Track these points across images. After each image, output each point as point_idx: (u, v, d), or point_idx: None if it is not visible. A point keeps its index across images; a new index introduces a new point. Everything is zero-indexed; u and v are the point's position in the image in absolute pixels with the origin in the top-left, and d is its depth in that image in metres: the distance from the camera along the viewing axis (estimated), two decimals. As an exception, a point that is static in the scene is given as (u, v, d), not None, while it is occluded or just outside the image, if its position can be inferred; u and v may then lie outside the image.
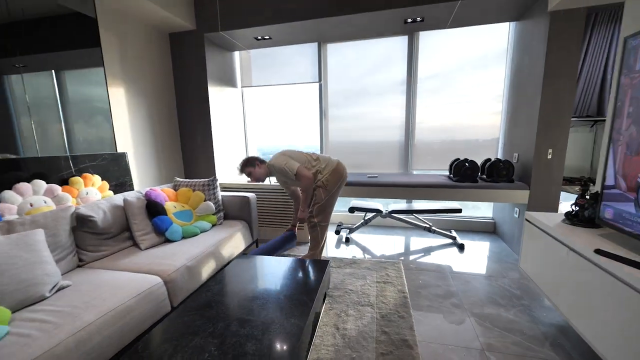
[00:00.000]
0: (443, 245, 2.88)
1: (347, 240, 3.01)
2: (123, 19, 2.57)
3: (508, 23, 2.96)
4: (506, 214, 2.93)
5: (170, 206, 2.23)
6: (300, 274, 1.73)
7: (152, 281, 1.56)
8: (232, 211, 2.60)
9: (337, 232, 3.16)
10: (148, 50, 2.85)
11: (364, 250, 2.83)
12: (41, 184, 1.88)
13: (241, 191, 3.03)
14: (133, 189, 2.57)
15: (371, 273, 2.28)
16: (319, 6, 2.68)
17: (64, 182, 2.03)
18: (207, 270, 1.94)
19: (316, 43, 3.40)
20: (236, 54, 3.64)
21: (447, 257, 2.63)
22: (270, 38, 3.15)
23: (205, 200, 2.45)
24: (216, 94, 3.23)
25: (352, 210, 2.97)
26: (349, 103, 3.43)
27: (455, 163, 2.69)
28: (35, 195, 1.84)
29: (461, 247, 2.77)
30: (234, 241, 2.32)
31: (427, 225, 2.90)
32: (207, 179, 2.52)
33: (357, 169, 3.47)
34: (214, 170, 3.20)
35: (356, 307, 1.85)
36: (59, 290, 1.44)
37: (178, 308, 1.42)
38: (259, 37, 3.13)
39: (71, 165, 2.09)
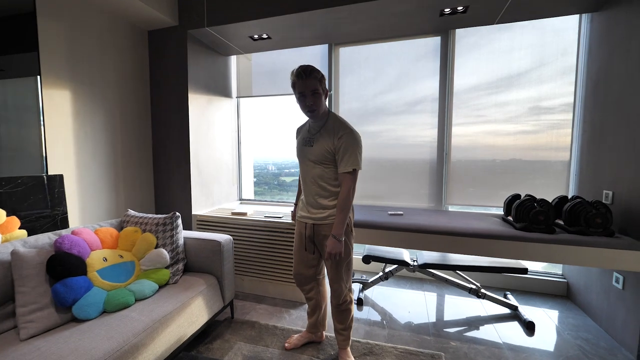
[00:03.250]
0: (498, 317, 1.96)
1: (360, 301, 2.13)
2: (79, 9, 1.95)
3: (578, 16, 2.17)
4: (592, 276, 2.00)
5: (96, 258, 1.45)
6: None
7: None
8: (197, 260, 1.81)
9: (347, 288, 2.28)
10: (114, 46, 2.21)
11: (385, 319, 1.94)
12: None
13: (222, 228, 2.25)
14: (67, 226, 1.83)
15: (399, 379, 1.39)
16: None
17: None
18: (121, 383, 1.12)
19: (326, 45, 2.70)
20: (232, 59, 2.99)
21: (506, 334, 1.74)
22: (269, 37, 2.47)
23: (157, 247, 1.68)
24: (201, 104, 2.55)
25: (367, 260, 2.12)
26: (365, 118, 2.67)
27: (517, 202, 1.82)
28: None
29: (529, 327, 1.84)
30: (189, 314, 1.51)
31: (474, 287, 2.00)
32: (163, 216, 1.75)
33: (374, 200, 2.64)
34: (189, 200, 2.45)
35: None
36: None
37: None
38: (256, 37, 2.46)
39: (-53, 195, 1.38)
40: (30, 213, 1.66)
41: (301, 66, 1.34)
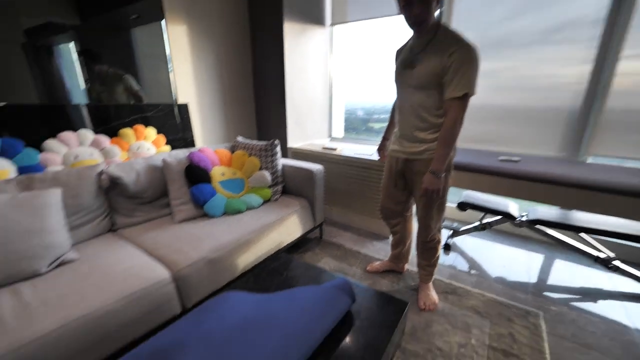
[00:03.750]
0: (631, 295, 1.65)
1: (448, 247, 2.10)
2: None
3: None
4: None
5: (217, 172, 1.83)
6: (361, 312, 1.04)
7: (157, 276, 1.18)
8: (293, 184, 2.06)
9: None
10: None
11: (473, 268, 1.89)
12: (87, 134, 1.71)
13: (313, 160, 2.43)
14: (194, 146, 2.30)
15: (482, 323, 1.40)
16: None
17: (113, 133, 1.83)
18: (237, 266, 1.48)
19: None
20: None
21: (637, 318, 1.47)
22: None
23: (260, 169, 1.97)
24: (295, 35, 2.58)
25: (463, 207, 2.00)
26: (481, 52, 2.23)
27: None
28: (82, 147, 1.68)
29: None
30: (286, 226, 1.79)
31: (604, 256, 1.69)
32: (265, 142, 2.00)
33: (484, 144, 2.34)
34: (285, 131, 2.68)
35: (444, 386, 1.08)
36: (60, 264, 1.20)
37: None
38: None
39: (121, 115, 1.87)
40: (171, 135, 2.14)
41: None
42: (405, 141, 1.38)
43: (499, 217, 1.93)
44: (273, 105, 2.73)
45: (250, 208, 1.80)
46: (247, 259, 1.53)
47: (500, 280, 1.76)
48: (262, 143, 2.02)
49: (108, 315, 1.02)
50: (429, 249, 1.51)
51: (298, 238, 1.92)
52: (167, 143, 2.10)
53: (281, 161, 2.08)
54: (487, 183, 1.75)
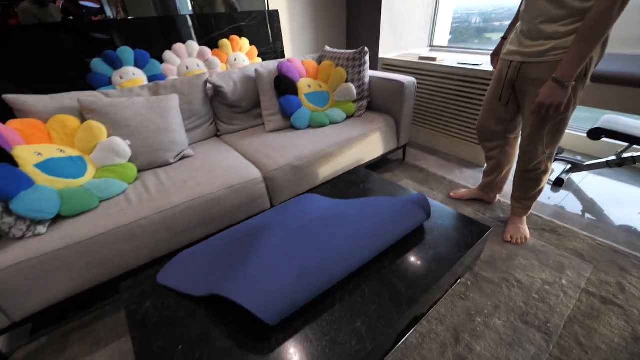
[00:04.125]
0: None
1: (560, 182, 1.76)
2: None
3: None
4: None
5: (304, 84, 1.84)
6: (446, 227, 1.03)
7: (251, 175, 1.38)
8: (379, 100, 1.94)
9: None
10: None
11: (590, 211, 1.58)
12: (194, 45, 1.89)
13: (407, 73, 2.19)
14: (284, 57, 2.32)
15: (582, 266, 1.23)
16: None
17: (214, 45, 1.97)
18: (318, 175, 1.59)
19: None
20: None
21: None
22: None
23: (346, 81, 1.89)
24: None
25: (596, 134, 1.57)
26: None
27: None
28: (190, 58, 1.89)
29: None
30: (367, 144, 1.77)
31: None
32: (353, 51, 1.86)
33: None
34: (377, 40, 2.40)
35: (513, 318, 1.05)
36: (182, 158, 1.52)
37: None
38: None
39: (220, 25, 1.97)
40: (263, 46, 2.18)
41: None
42: (526, 38, 1.07)
43: (650, 151, 1.47)
44: (366, 9, 2.43)
45: (333, 122, 1.81)
46: (327, 171, 1.63)
47: (626, 229, 1.44)
48: (350, 52, 1.88)
49: (215, 200, 1.28)
50: (530, 179, 1.28)
51: (379, 157, 1.90)
52: (259, 55, 2.18)
53: (369, 73, 1.94)
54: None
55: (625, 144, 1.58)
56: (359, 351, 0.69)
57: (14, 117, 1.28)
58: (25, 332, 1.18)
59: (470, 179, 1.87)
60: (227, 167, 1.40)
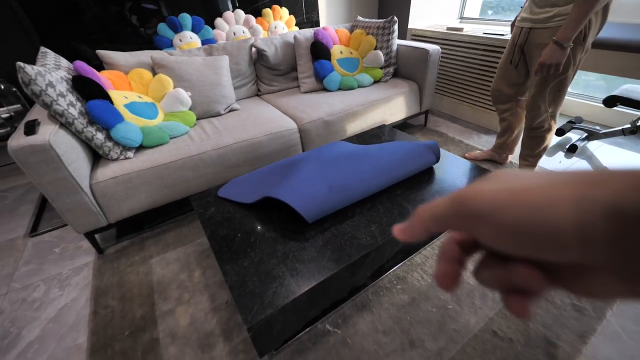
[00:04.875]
0: None
1: (574, 148, 1.81)
2: None
3: None
4: None
5: (336, 50, 1.98)
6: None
7: (288, 126, 1.58)
8: (405, 67, 2.04)
9: (562, 132, 1.92)
10: None
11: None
12: (241, 14, 2.06)
13: (434, 42, 2.24)
14: (319, 26, 2.43)
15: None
16: None
17: (257, 13, 2.13)
18: (346, 130, 1.76)
19: None
20: None
21: None
22: None
23: (375, 49, 2.00)
24: None
25: (611, 102, 1.60)
26: None
27: None
28: (237, 25, 2.07)
29: None
30: (391, 107, 1.90)
31: None
32: (382, 20, 1.95)
33: None
34: (408, 11, 2.44)
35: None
36: (230, 111, 1.74)
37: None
38: None
39: (262, -6, 2.12)
40: (300, 16, 2.31)
41: None
42: (536, 6, 1.17)
43: (664, 119, 1.50)
44: (399, -21, 2.45)
45: (361, 86, 1.95)
46: (353, 127, 1.79)
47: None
48: (380, 21, 1.97)
49: (257, 143, 1.49)
50: (535, 137, 1.39)
51: (401, 120, 2.03)
52: (296, 24, 2.31)
53: (397, 41, 2.03)
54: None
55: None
56: (372, 244, 0.90)
57: (103, 68, 1.54)
58: (112, 236, 1.50)
59: (487, 144, 1.96)
60: (268, 119, 1.61)
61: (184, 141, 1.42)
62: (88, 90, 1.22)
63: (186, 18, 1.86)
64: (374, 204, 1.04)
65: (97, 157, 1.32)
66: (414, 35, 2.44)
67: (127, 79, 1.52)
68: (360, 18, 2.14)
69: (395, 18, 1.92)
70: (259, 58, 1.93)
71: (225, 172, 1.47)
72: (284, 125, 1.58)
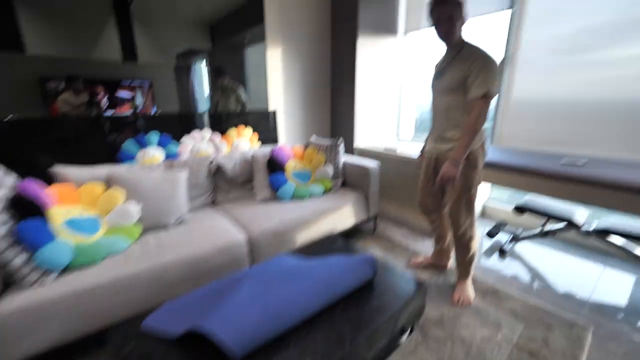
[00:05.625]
0: None
1: (503, 252, 1.96)
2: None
3: None
4: None
5: (291, 165, 2.18)
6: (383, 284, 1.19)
7: (237, 237, 1.57)
8: (351, 179, 2.26)
9: (492, 235, 2.11)
10: (309, 11, 2.72)
11: (526, 275, 1.74)
12: (208, 132, 2.28)
13: (375, 158, 2.57)
14: (277, 143, 2.72)
15: (515, 324, 1.34)
16: None
17: (223, 132, 2.37)
18: (296, 240, 1.78)
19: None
20: (402, -6, 2.87)
21: None
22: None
23: (325, 164, 2.24)
24: (368, 47, 2.74)
25: (521, 209, 1.84)
26: (563, 42, 1.97)
27: None
28: (202, 142, 2.26)
29: None
30: (340, 214, 2.01)
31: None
32: (330, 141, 2.26)
33: (550, 145, 2.07)
34: (353, 132, 2.88)
35: (457, 368, 1.13)
36: (180, 222, 1.72)
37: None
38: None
39: (230, 120, 2.41)
40: (262, 134, 2.61)
41: None
42: (437, 140, 1.48)
43: (562, 224, 1.72)
44: (345, 110, 2.97)
45: (313, 195, 2.08)
46: (304, 236, 1.82)
47: (553, 290, 1.59)
48: (329, 141, 2.28)
49: (202, 258, 1.41)
50: (461, 245, 1.51)
51: (351, 226, 2.11)
52: (259, 140, 2.58)
53: (343, 158, 2.30)
54: (549, 187, 1.59)
55: (543, 218, 1.83)
56: (305, 382, 0.80)
57: (57, 181, 1.52)
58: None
59: (431, 248, 2.05)
60: (217, 230, 1.60)
61: (119, 259, 1.31)
62: (24, 210, 1.17)
63: (153, 136, 2.01)
64: (312, 329, 0.97)
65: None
66: (360, 152, 2.81)
67: (77, 192, 1.50)
68: (313, 138, 2.46)
69: (340, 140, 2.23)
70: (218, 171, 2.05)
71: (161, 293, 1.32)
72: (232, 237, 1.56)
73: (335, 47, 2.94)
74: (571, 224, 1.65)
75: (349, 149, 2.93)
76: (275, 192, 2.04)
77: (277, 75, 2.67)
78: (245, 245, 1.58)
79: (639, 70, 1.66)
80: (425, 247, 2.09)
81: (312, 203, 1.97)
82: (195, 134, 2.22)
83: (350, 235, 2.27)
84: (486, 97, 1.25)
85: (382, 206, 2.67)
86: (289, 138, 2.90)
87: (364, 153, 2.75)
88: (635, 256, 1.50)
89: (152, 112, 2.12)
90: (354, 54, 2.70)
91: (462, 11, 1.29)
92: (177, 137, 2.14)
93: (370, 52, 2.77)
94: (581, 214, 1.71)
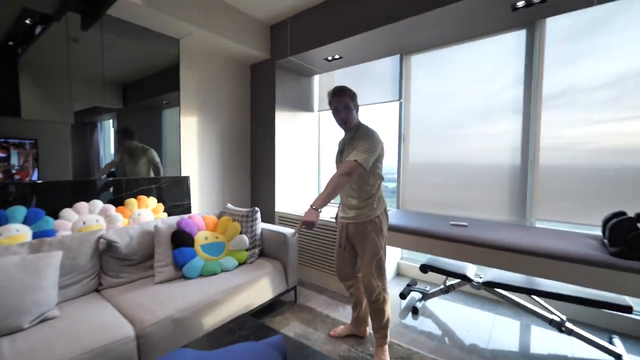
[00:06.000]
0: (591, 362, 1.56)
1: (415, 310, 2.07)
2: (205, 56, 2.68)
3: None
4: None
5: (201, 237, 2.00)
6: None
7: (121, 334, 1.27)
8: (269, 248, 2.18)
9: (404, 296, 2.23)
10: (227, 80, 2.90)
11: (436, 332, 1.84)
12: (98, 203, 1.97)
13: (297, 224, 2.59)
14: (190, 212, 2.52)
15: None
16: (392, 8, 2.06)
17: (120, 203, 2.09)
18: (202, 325, 1.54)
19: (398, 56, 2.73)
20: (316, 78, 3.37)
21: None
22: (341, 57, 2.71)
23: (241, 233, 2.13)
24: (287, 120, 2.99)
25: (424, 269, 2.04)
26: (438, 123, 2.55)
27: (613, 221, 1.42)
28: (90, 214, 1.93)
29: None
30: (257, 288, 1.87)
31: (556, 319, 1.66)
32: (246, 209, 2.20)
33: (442, 209, 2.48)
34: (274, 198, 2.91)
35: None
36: (42, 321, 1.32)
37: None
38: (330, 58, 2.74)
39: (129, 187, 2.17)
40: (171, 202, 2.40)
41: (336, 86, 1.56)
42: (346, 208, 1.61)
43: (458, 279, 1.95)
44: (265, 178, 3.02)
45: (225, 270, 1.90)
46: (212, 320, 1.59)
47: (459, 345, 1.71)
48: (245, 210, 2.22)
49: None
50: (376, 309, 1.54)
51: (269, 300, 1.96)
52: (165, 210, 2.34)
53: (260, 226, 2.24)
54: (441, 247, 1.82)
55: (445, 276, 2.06)
56: None
57: None
58: None
59: (350, 316, 2.02)
60: (96, 327, 1.27)
61: None
62: None
63: (17, 210, 1.63)
64: None
65: None
66: (281, 217, 2.81)
67: None
68: (229, 206, 2.36)
69: (257, 209, 2.20)
70: (107, 249, 1.73)
71: None
72: (116, 333, 1.26)
73: (255, 116, 3.12)
74: (466, 278, 1.87)
75: (270, 217, 2.90)
76: (179, 270, 1.80)
77: (193, 139, 2.63)
78: (133, 342, 1.28)
79: (499, 142, 2.22)
80: (347, 313, 2.05)
81: (224, 278, 1.79)
82: (80, 205, 1.89)
83: (270, 308, 2.09)
84: (358, 163, 1.39)
85: (303, 274, 2.61)
86: (203, 206, 2.73)
87: (285, 218, 2.76)
88: (517, 304, 1.76)
89: (32, 178, 1.76)
90: (273, 125, 2.90)
91: (356, 101, 1.57)
92: (56, 210, 1.79)
93: (289, 124, 3.02)
94: (471, 269, 1.98)
